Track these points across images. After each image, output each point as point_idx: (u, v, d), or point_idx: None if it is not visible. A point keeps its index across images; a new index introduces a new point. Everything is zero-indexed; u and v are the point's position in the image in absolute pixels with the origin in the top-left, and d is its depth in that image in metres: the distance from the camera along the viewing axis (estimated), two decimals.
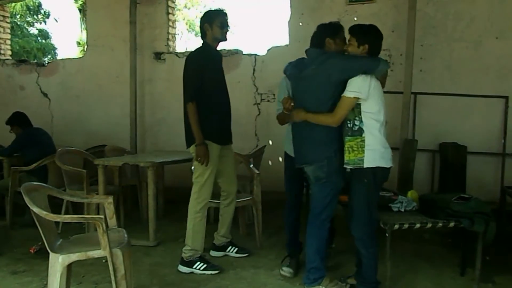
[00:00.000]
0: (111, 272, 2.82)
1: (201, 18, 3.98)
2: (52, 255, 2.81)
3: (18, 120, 5.50)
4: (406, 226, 3.22)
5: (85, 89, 7.54)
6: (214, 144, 3.84)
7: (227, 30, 3.96)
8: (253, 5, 28.99)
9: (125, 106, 6.98)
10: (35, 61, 9.33)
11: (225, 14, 3.94)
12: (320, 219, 3.29)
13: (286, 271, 3.73)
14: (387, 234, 3.18)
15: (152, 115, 7.19)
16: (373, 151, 3.11)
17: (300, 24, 6.35)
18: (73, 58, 8.55)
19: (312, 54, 3.39)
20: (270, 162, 6.10)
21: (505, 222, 4.66)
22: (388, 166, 3.15)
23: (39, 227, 2.75)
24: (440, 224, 3.28)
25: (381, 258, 3.24)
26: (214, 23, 3.88)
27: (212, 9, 4.08)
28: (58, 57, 15.69)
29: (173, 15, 7.36)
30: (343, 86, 3.12)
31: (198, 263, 3.83)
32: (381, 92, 3.22)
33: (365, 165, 3.10)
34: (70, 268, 2.98)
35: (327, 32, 3.48)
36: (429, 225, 3.27)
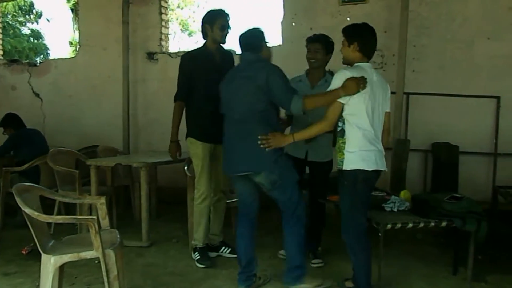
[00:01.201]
0: (104, 273, 2.82)
1: (203, 18, 4.02)
2: (44, 256, 2.81)
3: (11, 122, 5.46)
4: (398, 225, 3.24)
5: (77, 89, 7.50)
6: (199, 142, 3.95)
7: (228, 33, 3.98)
8: (247, 5, 28.99)
9: (118, 106, 6.95)
10: (27, 61, 9.27)
11: (227, 15, 3.96)
12: (296, 216, 3.26)
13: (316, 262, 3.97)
14: (380, 234, 3.18)
15: (145, 115, 7.17)
16: (353, 153, 3.04)
17: (293, 24, 6.35)
18: (66, 58, 8.49)
19: (248, 58, 3.37)
20: None
21: (497, 221, 4.69)
22: (370, 169, 3.04)
23: (31, 228, 2.74)
24: (433, 224, 3.30)
25: (374, 258, 3.24)
26: (215, 24, 3.92)
27: (214, 9, 4.05)
28: (50, 57, 15.61)
29: (166, 15, 7.33)
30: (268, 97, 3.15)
31: (196, 253, 4.01)
32: (367, 96, 3.07)
33: (344, 167, 3.07)
34: (62, 269, 2.97)
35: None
36: (422, 224, 3.29)
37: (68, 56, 10.32)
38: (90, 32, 7.44)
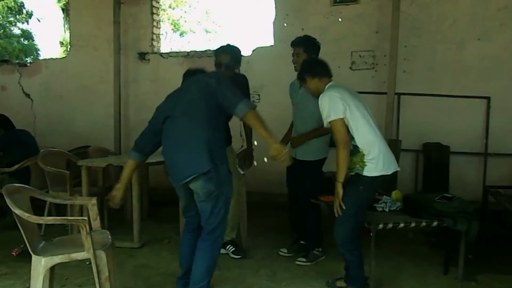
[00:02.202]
0: (95, 274, 2.80)
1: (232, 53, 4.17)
2: (34, 258, 2.78)
3: (1, 123, 5.40)
4: (390, 225, 3.24)
5: (68, 90, 7.47)
6: None
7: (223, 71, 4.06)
8: (238, 6, 28.98)
9: (109, 107, 6.93)
10: (17, 61, 9.21)
11: (226, 52, 4.16)
12: (215, 236, 3.01)
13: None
14: (371, 234, 3.19)
15: (136, 115, 7.14)
16: (375, 159, 3.12)
17: (285, 24, 6.37)
18: (56, 58, 8.45)
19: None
20: (255, 163, 6.09)
21: (487, 221, 4.72)
22: (390, 172, 3.18)
23: (21, 229, 2.72)
24: (424, 224, 3.31)
25: (366, 258, 3.25)
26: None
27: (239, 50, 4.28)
28: (41, 57, 15.50)
29: (158, 15, 7.32)
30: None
31: (229, 246, 4.20)
32: (354, 107, 3.17)
33: (365, 173, 3.13)
34: (53, 270, 2.96)
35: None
36: (413, 224, 3.30)
37: (59, 56, 10.27)
38: (81, 32, 7.41)
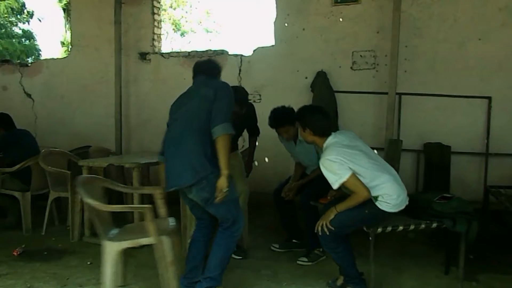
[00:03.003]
0: (159, 259, 3.08)
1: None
2: (106, 243, 3.07)
3: (2, 122, 5.39)
4: (389, 229, 3.23)
5: (69, 90, 7.48)
6: None
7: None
8: (239, 6, 29.00)
9: (110, 107, 6.93)
10: (19, 61, 9.21)
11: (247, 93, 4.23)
12: (231, 231, 3.10)
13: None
14: (370, 238, 3.19)
15: (137, 115, 7.15)
16: (390, 201, 3.14)
17: (286, 24, 6.36)
18: (57, 58, 8.45)
19: (203, 78, 3.27)
20: (256, 163, 6.10)
21: (488, 221, 4.72)
22: (396, 211, 3.19)
23: (93, 217, 3.09)
24: (423, 226, 3.31)
25: (365, 258, 3.27)
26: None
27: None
28: (42, 57, 15.51)
29: (159, 15, 7.32)
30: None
31: None
32: (357, 156, 3.17)
33: (377, 204, 3.15)
34: (124, 255, 3.31)
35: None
36: (412, 227, 3.29)
37: (60, 56, 10.28)
38: (82, 32, 7.42)
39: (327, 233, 3.15)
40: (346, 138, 3.32)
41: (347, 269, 3.34)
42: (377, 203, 3.14)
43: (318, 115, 3.34)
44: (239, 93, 4.11)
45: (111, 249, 3.04)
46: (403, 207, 3.22)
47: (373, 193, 3.12)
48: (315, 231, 3.24)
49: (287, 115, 4.03)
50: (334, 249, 3.25)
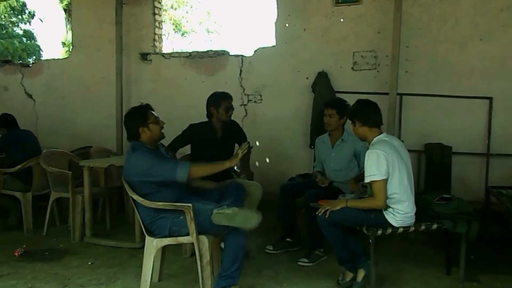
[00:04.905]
0: (197, 258, 3.12)
1: (208, 101, 4.29)
2: (148, 239, 3.23)
3: (4, 122, 5.39)
4: (389, 231, 3.23)
5: (70, 90, 7.48)
6: None
7: (231, 113, 4.31)
8: (240, 6, 28.98)
9: (111, 107, 6.92)
10: (20, 61, 9.22)
11: (231, 98, 4.29)
12: (236, 231, 3.14)
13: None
14: (370, 241, 3.20)
15: None
16: (398, 215, 3.18)
17: (287, 25, 6.35)
18: (58, 59, 8.46)
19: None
20: (257, 163, 6.10)
21: (489, 221, 4.72)
22: (398, 226, 3.23)
23: (137, 212, 3.26)
24: (423, 227, 3.31)
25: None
26: (220, 107, 4.21)
27: (218, 93, 4.33)
28: (43, 58, 15.52)
29: (160, 15, 7.32)
30: None
31: None
32: (396, 163, 3.20)
33: (384, 213, 3.19)
34: (164, 252, 3.56)
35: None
36: (412, 228, 3.29)
37: (61, 57, 10.29)
38: (83, 33, 7.42)
39: (326, 216, 3.24)
40: (399, 144, 3.37)
41: (338, 252, 3.44)
42: (384, 212, 3.17)
43: (369, 106, 3.41)
44: (213, 99, 4.29)
45: (153, 245, 3.19)
46: (405, 225, 3.24)
47: (388, 203, 3.16)
48: (317, 213, 3.32)
49: (341, 103, 4.21)
50: (332, 233, 3.33)
